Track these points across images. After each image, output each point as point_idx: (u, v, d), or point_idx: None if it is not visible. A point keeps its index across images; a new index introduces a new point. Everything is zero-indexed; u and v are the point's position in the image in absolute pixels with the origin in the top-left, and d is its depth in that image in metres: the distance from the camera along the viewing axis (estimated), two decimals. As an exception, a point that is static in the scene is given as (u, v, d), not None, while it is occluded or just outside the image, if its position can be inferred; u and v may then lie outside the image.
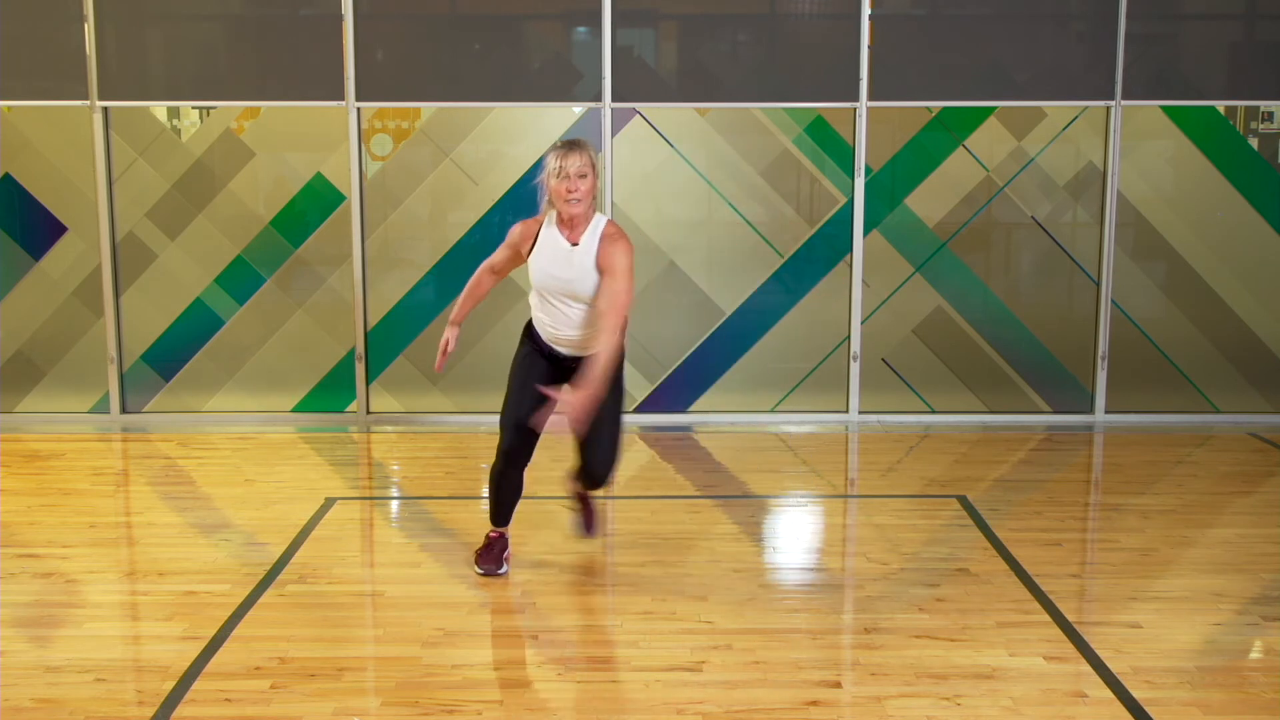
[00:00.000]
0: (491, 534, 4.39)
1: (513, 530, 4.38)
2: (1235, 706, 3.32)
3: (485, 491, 4.37)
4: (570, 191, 3.95)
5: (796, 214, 6.50)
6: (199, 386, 6.63)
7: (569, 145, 4.02)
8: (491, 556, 4.32)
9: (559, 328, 4.10)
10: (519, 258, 4.19)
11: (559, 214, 4.05)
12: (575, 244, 4.02)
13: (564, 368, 4.15)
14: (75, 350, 6.59)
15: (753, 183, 6.48)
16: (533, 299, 4.17)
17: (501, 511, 4.35)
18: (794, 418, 6.60)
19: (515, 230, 4.17)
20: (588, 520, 4.54)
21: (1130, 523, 4.88)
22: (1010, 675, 3.50)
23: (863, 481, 5.62)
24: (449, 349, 4.34)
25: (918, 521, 4.89)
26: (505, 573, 4.31)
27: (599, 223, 4.05)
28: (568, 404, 3.88)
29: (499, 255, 4.25)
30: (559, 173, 3.96)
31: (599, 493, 4.47)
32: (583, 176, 3.96)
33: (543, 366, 4.16)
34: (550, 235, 4.06)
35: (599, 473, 4.19)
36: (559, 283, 4.04)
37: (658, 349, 6.59)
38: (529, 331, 4.24)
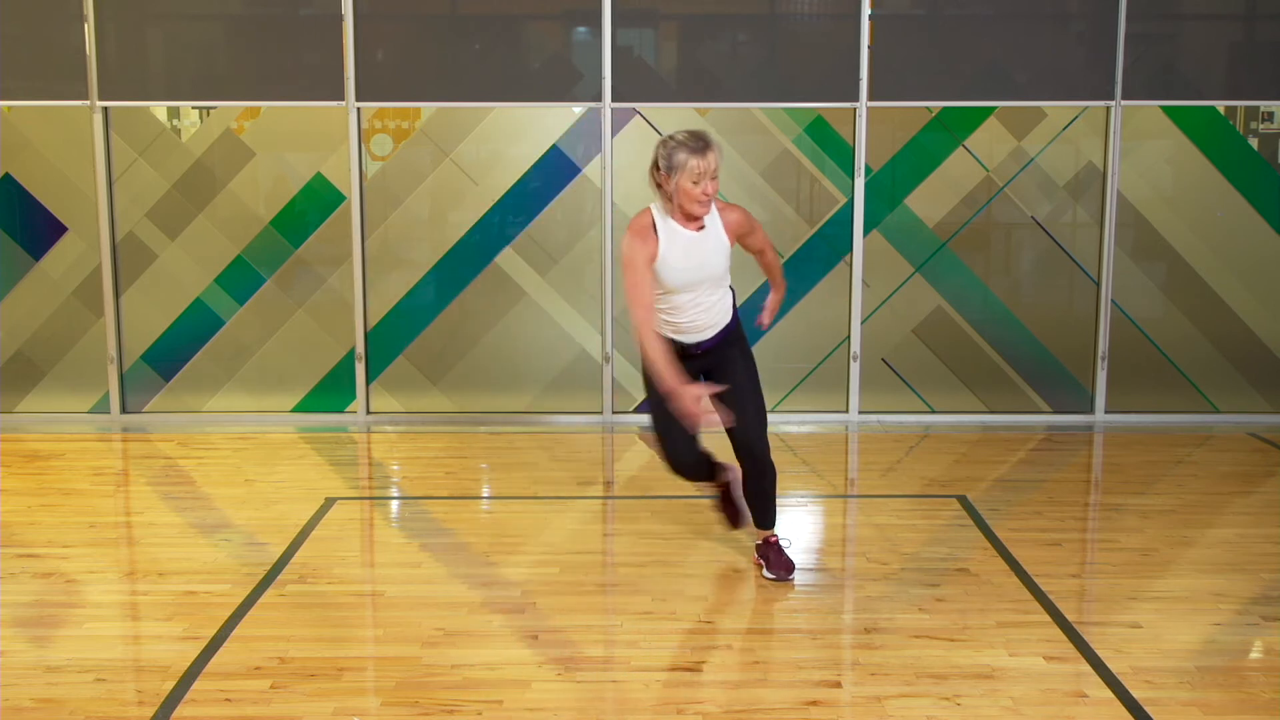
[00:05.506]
0: (718, 488, 4.31)
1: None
2: (1235, 706, 3.32)
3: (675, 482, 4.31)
4: (706, 194, 3.77)
5: (796, 214, 6.50)
6: (199, 386, 6.63)
7: (702, 143, 3.75)
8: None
9: (696, 317, 3.92)
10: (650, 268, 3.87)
11: (680, 211, 3.83)
12: (701, 228, 3.86)
13: (697, 362, 4.02)
14: (75, 350, 6.59)
15: (753, 183, 6.47)
16: (661, 305, 3.88)
17: (710, 470, 4.21)
18: (794, 418, 6.60)
19: (634, 245, 3.80)
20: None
21: (1130, 523, 4.87)
22: (1010, 675, 3.50)
23: (863, 481, 5.62)
24: (708, 409, 3.83)
25: (918, 521, 4.89)
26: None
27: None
28: (769, 308, 4.20)
29: (647, 286, 3.80)
30: (696, 174, 3.72)
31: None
32: (714, 177, 3.77)
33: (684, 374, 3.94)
34: (672, 232, 3.83)
35: (756, 446, 4.03)
36: (697, 271, 3.84)
37: (658, 349, 6.59)
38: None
